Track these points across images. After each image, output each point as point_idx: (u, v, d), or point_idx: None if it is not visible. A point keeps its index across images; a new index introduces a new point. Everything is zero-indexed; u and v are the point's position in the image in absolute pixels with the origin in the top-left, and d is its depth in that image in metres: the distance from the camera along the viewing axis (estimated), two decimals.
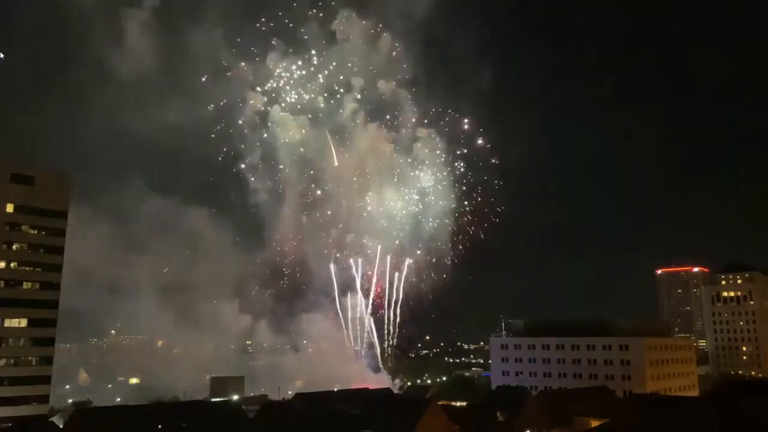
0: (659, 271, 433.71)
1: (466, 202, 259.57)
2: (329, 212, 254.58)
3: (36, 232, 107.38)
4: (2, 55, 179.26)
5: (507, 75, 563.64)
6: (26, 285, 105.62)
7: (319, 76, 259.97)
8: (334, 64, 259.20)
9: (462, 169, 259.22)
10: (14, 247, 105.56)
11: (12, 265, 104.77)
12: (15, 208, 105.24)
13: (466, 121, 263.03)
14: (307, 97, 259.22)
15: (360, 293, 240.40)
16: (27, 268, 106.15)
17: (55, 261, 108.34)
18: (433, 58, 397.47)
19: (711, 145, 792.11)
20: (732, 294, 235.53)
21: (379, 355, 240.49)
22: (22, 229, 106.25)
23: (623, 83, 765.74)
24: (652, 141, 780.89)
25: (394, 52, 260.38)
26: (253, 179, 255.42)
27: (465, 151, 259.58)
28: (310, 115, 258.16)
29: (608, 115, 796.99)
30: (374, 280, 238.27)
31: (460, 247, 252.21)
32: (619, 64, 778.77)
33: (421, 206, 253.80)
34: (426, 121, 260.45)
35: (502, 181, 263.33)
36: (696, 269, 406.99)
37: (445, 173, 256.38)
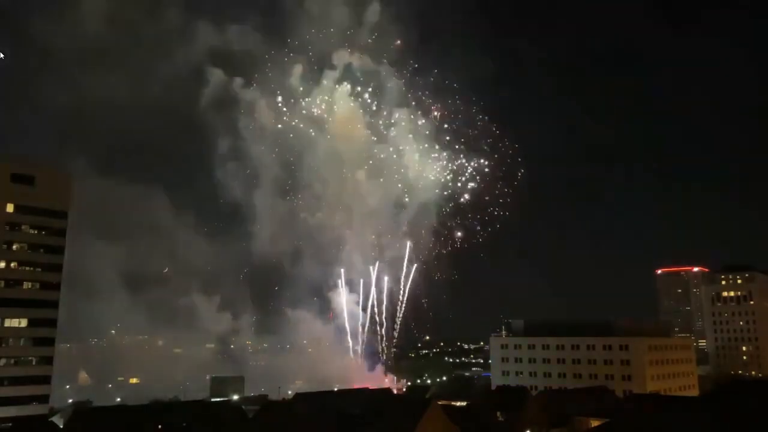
0: (659, 271, 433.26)
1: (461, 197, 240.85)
2: (309, 202, 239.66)
3: (36, 232, 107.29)
4: (2, 55, 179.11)
5: (507, 61, 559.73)
6: (26, 285, 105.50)
7: (294, 52, 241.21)
8: (312, 36, 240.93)
9: (454, 159, 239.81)
10: (14, 247, 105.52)
11: (12, 265, 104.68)
12: (15, 208, 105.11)
13: (459, 105, 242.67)
14: (280, 74, 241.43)
15: (345, 291, 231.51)
16: (27, 268, 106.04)
17: (55, 261, 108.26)
18: (424, 34, 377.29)
19: (711, 144, 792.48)
20: (732, 294, 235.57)
21: (380, 355, 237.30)
22: (22, 229, 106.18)
23: (624, 81, 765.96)
24: (653, 140, 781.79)
25: (380, 26, 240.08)
26: (222, 166, 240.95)
27: (458, 139, 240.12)
28: (282, 95, 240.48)
29: (610, 114, 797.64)
30: (372, 279, 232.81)
31: (458, 245, 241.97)
32: (621, 62, 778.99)
33: (406, 197, 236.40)
34: (414, 102, 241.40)
35: (499, 176, 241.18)
36: (696, 269, 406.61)
37: (435, 164, 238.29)
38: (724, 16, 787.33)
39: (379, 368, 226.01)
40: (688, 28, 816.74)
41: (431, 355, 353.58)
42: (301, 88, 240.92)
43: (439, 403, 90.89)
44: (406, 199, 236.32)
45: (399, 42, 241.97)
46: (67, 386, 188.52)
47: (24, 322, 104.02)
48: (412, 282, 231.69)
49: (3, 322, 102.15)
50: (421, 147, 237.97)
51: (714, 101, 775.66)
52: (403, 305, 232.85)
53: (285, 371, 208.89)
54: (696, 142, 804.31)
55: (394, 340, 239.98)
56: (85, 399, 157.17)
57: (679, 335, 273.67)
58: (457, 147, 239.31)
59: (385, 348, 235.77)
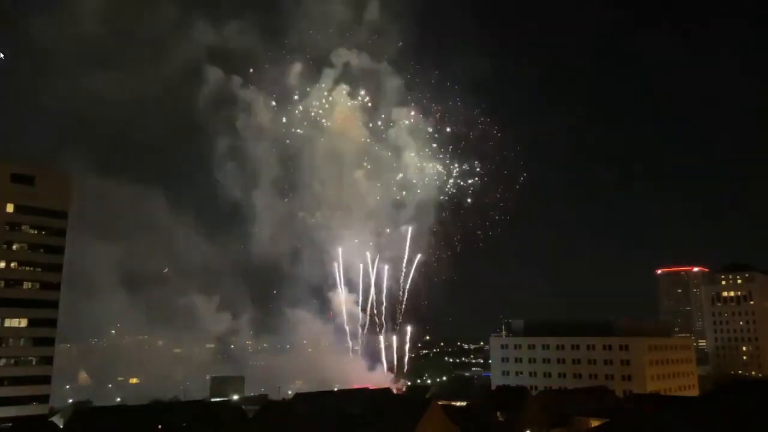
0: (659, 271, 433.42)
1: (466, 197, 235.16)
2: (308, 201, 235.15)
3: (36, 232, 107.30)
4: (2, 55, 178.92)
5: (507, 61, 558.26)
6: (26, 285, 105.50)
7: (293, 51, 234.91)
8: (310, 34, 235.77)
9: (454, 159, 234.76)
10: (14, 247, 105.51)
11: (12, 265, 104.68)
12: (15, 208, 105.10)
13: (459, 105, 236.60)
14: (278, 73, 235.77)
15: (344, 290, 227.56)
16: (27, 268, 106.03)
17: (55, 261, 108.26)
18: (424, 34, 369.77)
19: (711, 144, 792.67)
20: (732, 294, 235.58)
21: (383, 355, 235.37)
22: (22, 229, 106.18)
23: (624, 82, 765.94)
24: (653, 141, 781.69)
25: (380, 25, 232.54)
26: (221, 166, 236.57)
27: (458, 139, 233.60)
28: (280, 94, 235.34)
29: (610, 114, 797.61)
30: (372, 279, 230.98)
31: (457, 245, 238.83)
32: (622, 62, 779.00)
33: (405, 196, 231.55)
34: (413, 102, 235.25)
35: (499, 176, 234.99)
36: (696, 269, 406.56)
37: (435, 164, 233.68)
38: (724, 16, 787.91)
39: (383, 367, 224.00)
40: (689, 28, 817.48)
41: (431, 355, 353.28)
42: (300, 88, 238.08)
43: (439, 403, 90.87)
44: (406, 200, 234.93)
45: (399, 41, 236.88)
46: (67, 386, 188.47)
47: (24, 322, 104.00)
48: (411, 282, 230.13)
49: (3, 322, 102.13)
50: (420, 147, 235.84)
51: (714, 101, 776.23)
52: (403, 305, 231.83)
53: (285, 371, 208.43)
54: (696, 142, 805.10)
55: (394, 341, 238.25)
56: (85, 399, 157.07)
57: (679, 335, 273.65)
58: (456, 147, 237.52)
59: (385, 347, 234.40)
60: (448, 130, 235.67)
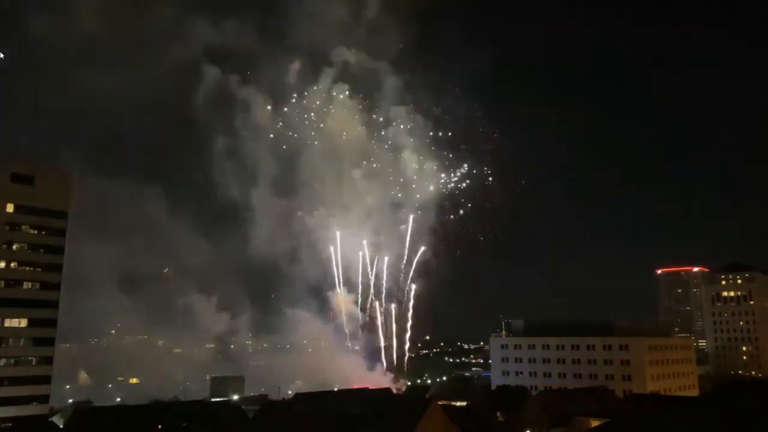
0: (659, 271, 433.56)
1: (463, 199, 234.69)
2: (307, 201, 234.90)
3: (36, 232, 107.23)
4: (2, 55, 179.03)
5: (508, 61, 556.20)
6: (26, 285, 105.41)
7: (291, 49, 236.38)
8: (309, 33, 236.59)
9: (453, 158, 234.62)
10: (14, 247, 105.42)
11: (12, 265, 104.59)
12: (15, 208, 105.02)
13: (459, 104, 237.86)
14: (277, 72, 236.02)
15: (344, 290, 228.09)
16: (27, 268, 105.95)
17: (55, 261, 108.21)
18: (424, 33, 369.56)
19: (710, 145, 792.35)
20: (732, 294, 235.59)
21: (382, 355, 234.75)
22: (22, 229, 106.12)
23: (624, 82, 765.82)
24: (653, 141, 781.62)
25: (379, 24, 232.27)
26: (220, 165, 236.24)
27: (458, 138, 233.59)
28: (279, 93, 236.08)
29: (610, 114, 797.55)
30: (371, 278, 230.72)
31: (457, 245, 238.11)
32: (622, 62, 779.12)
33: (404, 196, 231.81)
34: (412, 102, 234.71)
35: (500, 175, 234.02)
36: (696, 269, 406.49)
37: (434, 163, 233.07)
38: (724, 16, 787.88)
39: (383, 367, 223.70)
40: (689, 28, 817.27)
41: (431, 355, 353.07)
42: (298, 87, 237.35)
43: (439, 403, 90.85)
44: (405, 199, 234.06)
45: (399, 41, 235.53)
46: (67, 386, 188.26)
47: (24, 322, 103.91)
48: (411, 282, 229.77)
49: (3, 322, 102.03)
50: (419, 146, 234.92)
51: (714, 101, 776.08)
52: (403, 305, 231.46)
53: (285, 371, 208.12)
54: (696, 142, 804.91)
55: (394, 341, 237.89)
56: (85, 399, 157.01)
57: (679, 335, 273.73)
58: (456, 147, 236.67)
59: (385, 348, 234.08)
60: (448, 131, 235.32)
